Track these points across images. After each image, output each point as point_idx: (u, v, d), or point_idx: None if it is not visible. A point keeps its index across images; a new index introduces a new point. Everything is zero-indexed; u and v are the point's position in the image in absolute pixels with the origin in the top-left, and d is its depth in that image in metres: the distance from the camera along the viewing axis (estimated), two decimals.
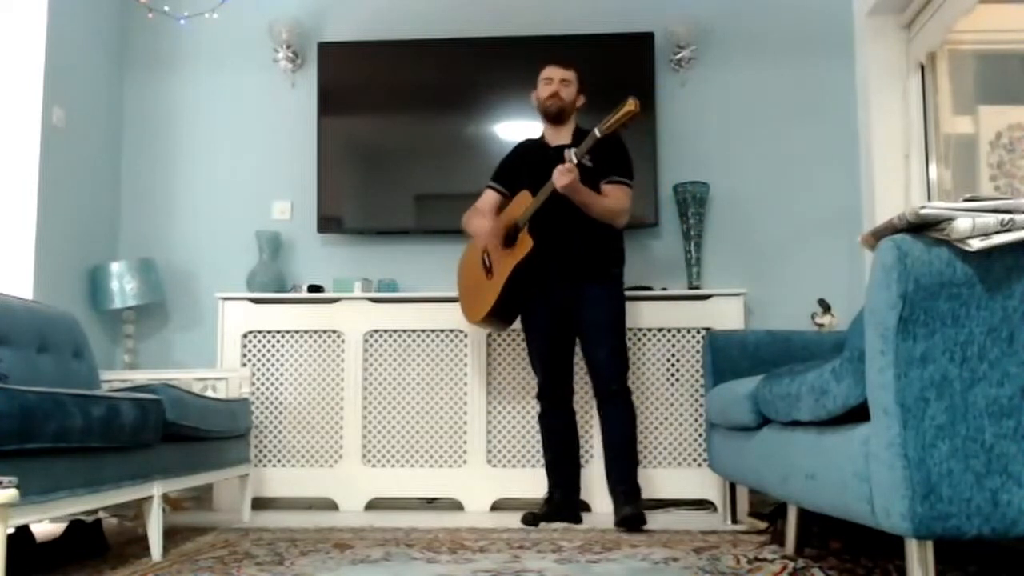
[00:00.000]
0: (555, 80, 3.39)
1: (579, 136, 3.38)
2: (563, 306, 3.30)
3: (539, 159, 3.36)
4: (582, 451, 3.63)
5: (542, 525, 3.19)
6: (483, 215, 3.47)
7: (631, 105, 3.01)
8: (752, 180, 4.08)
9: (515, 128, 4.03)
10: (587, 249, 3.29)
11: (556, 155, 3.29)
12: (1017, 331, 1.62)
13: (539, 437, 3.53)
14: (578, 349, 3.41)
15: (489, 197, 3.52)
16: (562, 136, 3.40)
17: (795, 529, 2.45)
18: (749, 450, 2.64)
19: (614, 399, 3.29)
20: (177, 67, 4.31)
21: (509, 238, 3.31)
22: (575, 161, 3.12)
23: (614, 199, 3.29)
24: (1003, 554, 2.29)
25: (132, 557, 2.50)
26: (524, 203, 3.30)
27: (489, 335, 3.77)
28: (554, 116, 3.40)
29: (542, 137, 3.49)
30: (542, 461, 3.53)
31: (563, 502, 3.33)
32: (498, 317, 3.38)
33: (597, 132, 3.08)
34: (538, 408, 3.47)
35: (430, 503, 3.82)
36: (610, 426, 3.31)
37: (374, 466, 3.77)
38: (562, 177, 3.11)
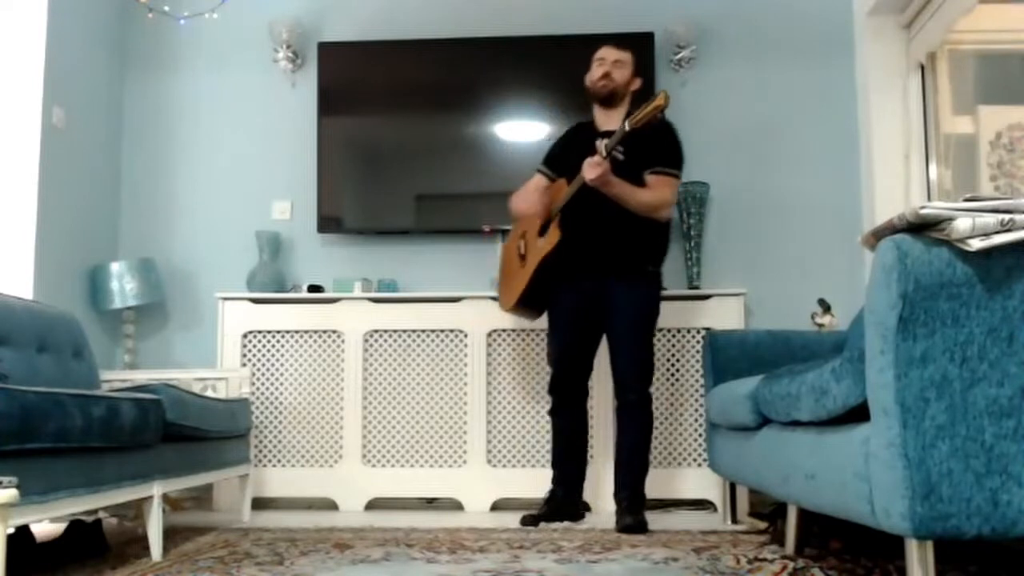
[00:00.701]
0: (607, 61, 3.27)
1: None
2: (592, 301, 3.21)
3: (587, 144, 3.21)
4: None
5: (542, 525, 3.18)
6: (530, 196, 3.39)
7: (660, 99, 2.93)
8: (752, 180, 4.08)
9: (515, 128, 4.04)
10: (621, 243, 3.17)
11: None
12: (1017, 331, 1.62)
13: (539, 437, 3.52)
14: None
15: (536, 181, 3.43)
16: (613, 120, 3.23)
17: (795, 529, 2.45)
18: (749, 450, 2.64)
19: (632, 408, 3.22)
20: (177, 67, 4.31)
21: (544, 227, 3.26)
22: (604, 154, 3.02)
23: (652, 193, 3.15)
24: (1003, 554, 2.29)
25: (132, 557, 2.50)
26: (560, 192, 3.24)
27: (489, 335, 3.77)
28: (604, 99, 3.28)
29: (593, 121, 3.36)
30: (542, 461, 3.53)
31: (564, 500, 3.30)
32: (527, 307, 3.35)
33: (627, 125, 2.97)
34: (548, 403, 3.39)
35: (430, 503, 3.82)
36: (623, 432, 3.24)
37: (374, 466, 3.77)
38: (591, 170, 3.01)
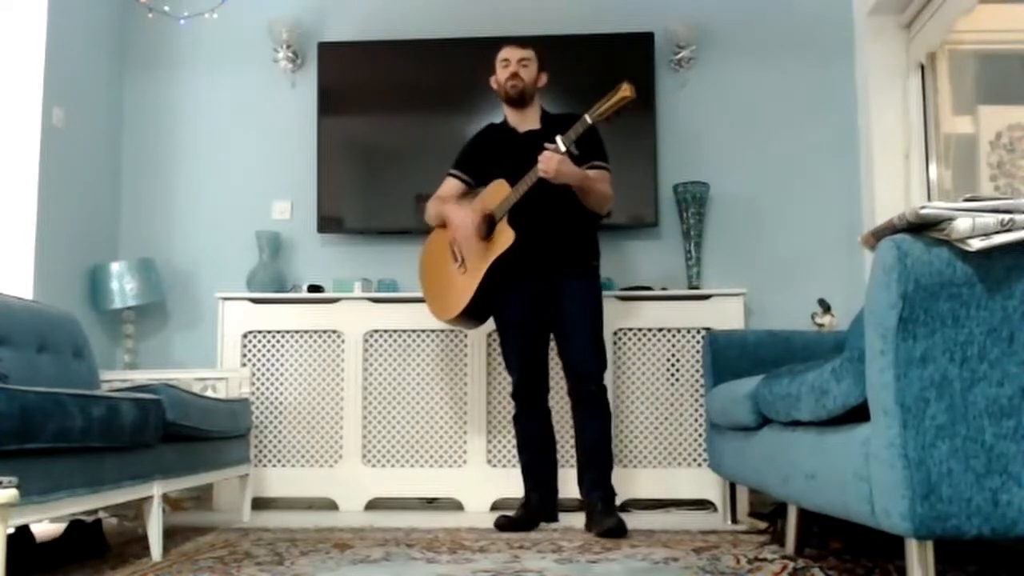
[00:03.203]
0: (512, 61, 3.25)
1: (547, 120, 3.27)
2: (539, 300, 3.17)
3: (507, 146, 3.24)
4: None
5: (543, 525, 3.18)
6: (449, 203, 3.32)
7: (626, 91, 2.88)
8: (752, 180, 4.08)
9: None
10: (566, 240, 3.18)
11: (526, 141, 3.18)
12: (1017, 331, 1.62)
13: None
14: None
15: (452, 186, 3.36)
16: (528, 120, 3.28)
17: (795, 529, 2.45)
18: (749, 450, 2.64)
19: (593, 400, 3.16)
20: (177, 67, 4.31)
21: (484, 230, 3.18)
22: (564, 149, 2.99)
23: (605, 185, 3.17)
24: (1003, 554, 2.29)
25: (132, 557, 2.50)
26: (500, 192, 3.16)
27: (488, 335, 3.77)
28: (516, 99, 3.26)
29: (505, 122, 3.35)
30: None
31: (541, 505, 3.23)
32: (471, 315, 3.24)
33: (588, 119, 2.94)
34: (512, 409, 3.33)
35: (430, 503, 3.82)
36: (589, 429, 3.16)
37: (374, 466, 3.77)
38: (551, 163, 2.97)
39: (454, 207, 3.28)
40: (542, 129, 3.23)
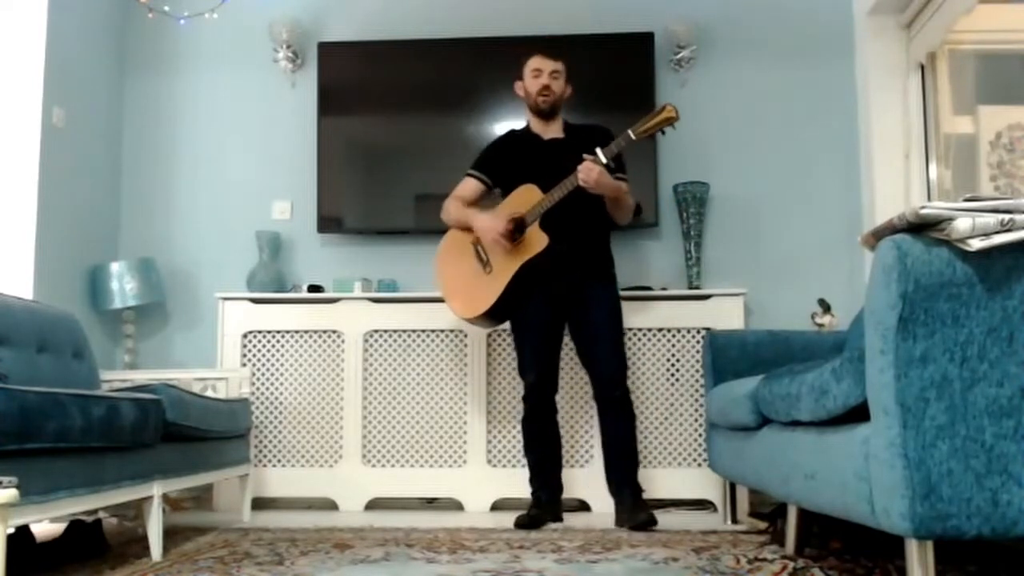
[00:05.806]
0: (544, 72, 3.30)
1: (569, 129, 3.35)
2: (560, 304, 3.26)
3: (532, 153, 3.32)
4: (582, 451, 3.64)
5: (547, 525, 3.18)
6: (467, 204, 3.39)
7: (670, 111, 3.02)
8: (752, 180, 4.08)
9: (515, 128, 4.03)
10: (590, 248, 3.28)
11: (551, 149, 3.27)
12: (1017, 331, 1.62)
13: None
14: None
15: (471, 186, 3.42)
16: (552, 129, 3.36)
17: (795, 529, 2.45)
18: (749, 450, 2.64)
19: (620, 403, 3.25)
20: (177, 67, 4.31)
21: (513, 233, 3.23)
22: (604, 161, 3.09)
23: (629, 195, 3.29)
24: (1003, 554, 2.29)
25: (132, 557, 2.50)
26: (530, 197, 3.22)
27: (489, 335, 3.77)
28: (547, 112, 3.33)
29: (528, 129, 3.41)
30: None
31: (550, 503, 3.30)
32: (494, 315, 3.30)
33: (632, 134, 3.06)
34: (520, 411, 3.38)
35: (430, 503, 3.82)
36: (615, 430, 3.26)
37: (374, 466, 3.77)
38: (591, 175, 3.06)
39: (476, 212, 3.33)
40: (566, 138, 3.32)
